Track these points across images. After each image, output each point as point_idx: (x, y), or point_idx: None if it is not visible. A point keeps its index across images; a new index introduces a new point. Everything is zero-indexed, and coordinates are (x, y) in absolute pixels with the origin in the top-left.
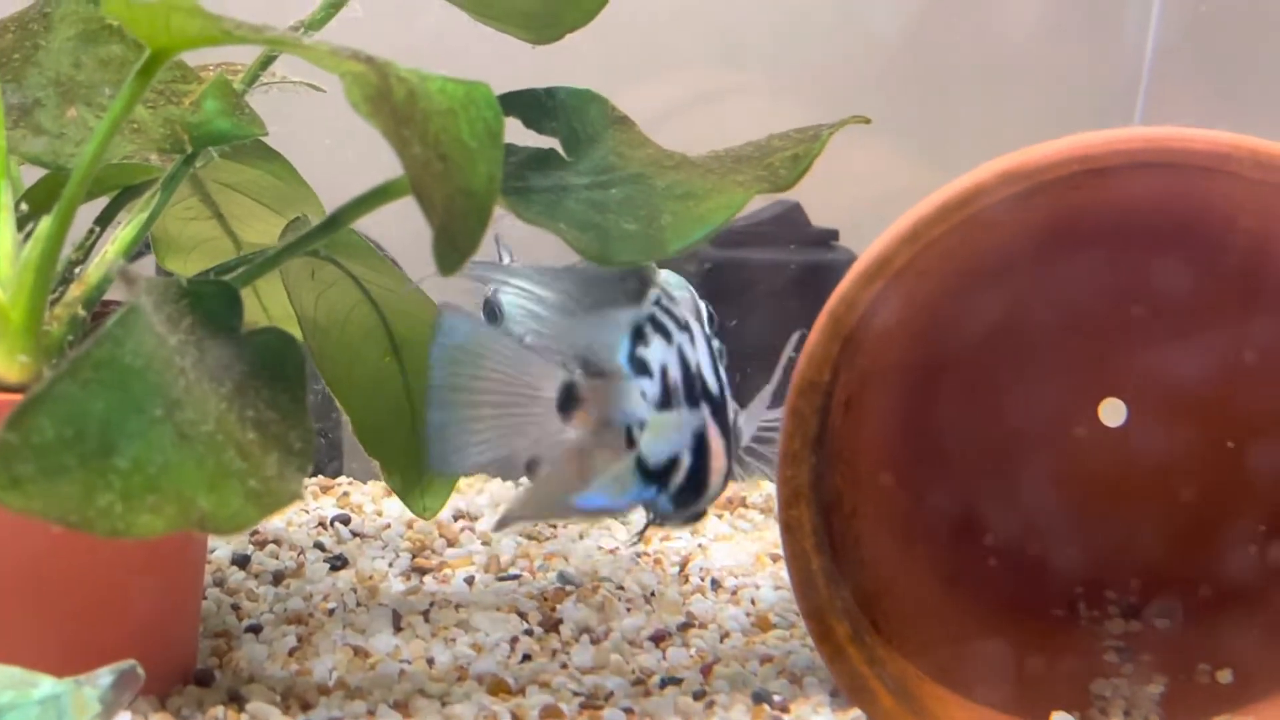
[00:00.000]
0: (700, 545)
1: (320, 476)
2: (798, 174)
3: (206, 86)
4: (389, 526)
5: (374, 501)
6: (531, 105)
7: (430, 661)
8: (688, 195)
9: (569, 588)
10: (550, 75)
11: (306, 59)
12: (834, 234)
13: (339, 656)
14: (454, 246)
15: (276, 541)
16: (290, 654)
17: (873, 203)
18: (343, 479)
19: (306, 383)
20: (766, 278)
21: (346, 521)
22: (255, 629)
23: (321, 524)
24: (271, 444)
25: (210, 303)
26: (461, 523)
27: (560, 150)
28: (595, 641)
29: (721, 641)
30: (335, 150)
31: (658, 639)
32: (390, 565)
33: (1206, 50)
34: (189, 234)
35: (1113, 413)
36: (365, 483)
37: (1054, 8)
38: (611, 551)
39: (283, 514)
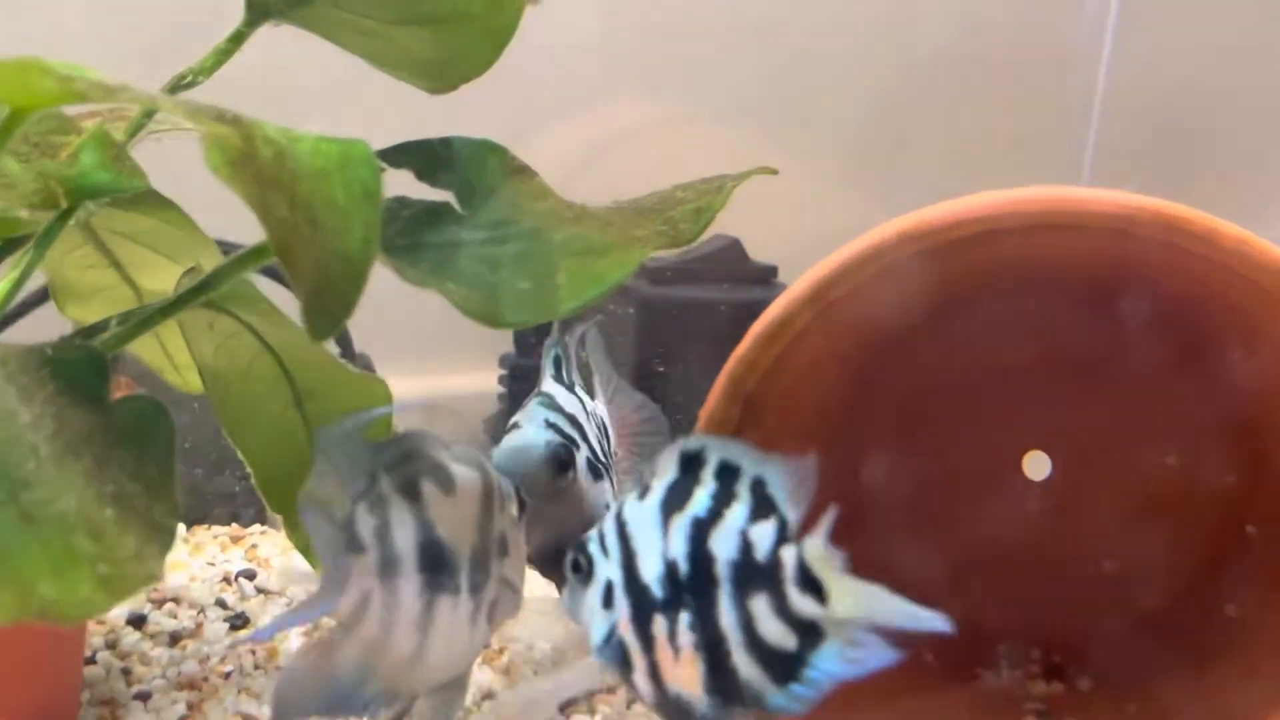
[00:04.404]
0: None
1: (234, 525)
2: (699, 229)
3: (84, 139)
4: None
5: (283, 553)
6: (425, 156)
7: None
8: (586, 251)
9: None
10: (459, 118)
11: (169, 114)
12: (773, 270)
13: None
14: (326, 313)
15: (176, 600)
16: None
17: (815, 237)
18: (255, 528)
19: (175, 452)
20: (702, 317)
21: (252, 577)
22: (144, 696)
23: (226, 579)
24: (132, 521)
25: (74, 370)
26: None
27: (455, 204)
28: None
29: (629, 708)
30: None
31: (562, 706)
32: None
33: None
34: (88, 282)
35: (1037, 466)
36: (281, 531)
37: (1008, 37)
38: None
39: (186, 568)
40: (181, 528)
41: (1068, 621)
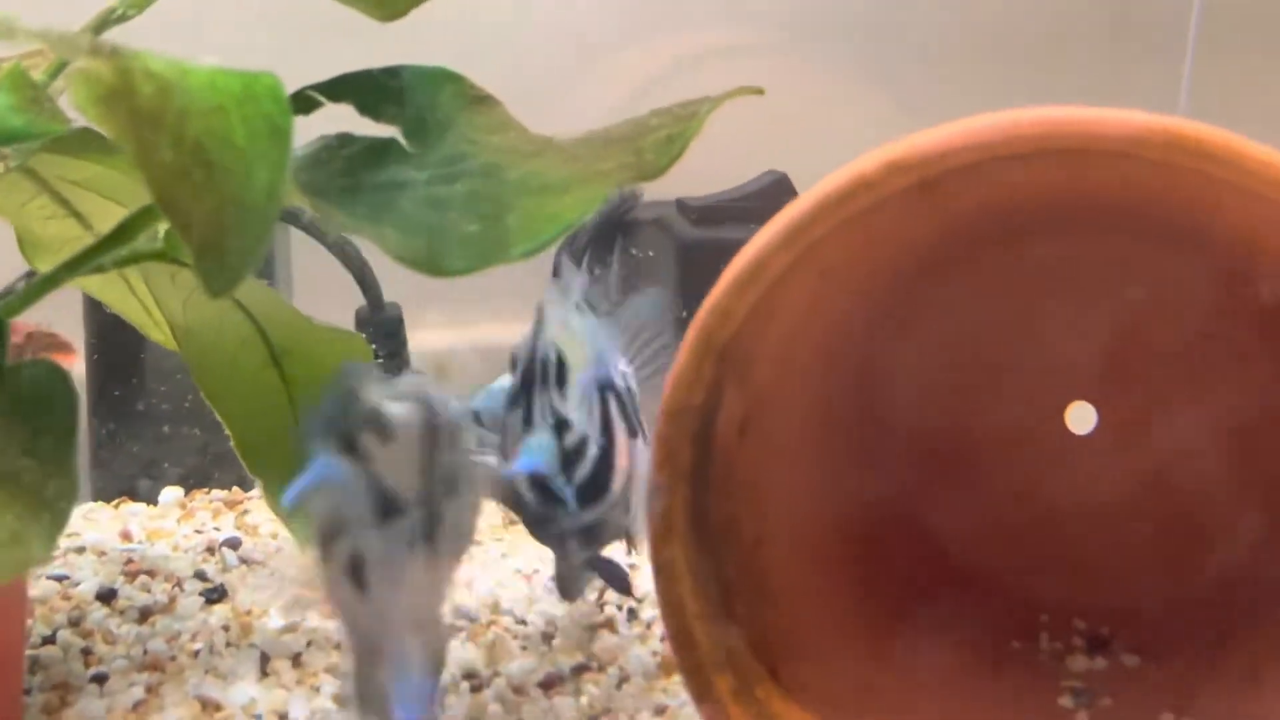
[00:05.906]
0: (632, 565)
1: (235, 489)
2: (669, 159)
3: None
4: (281, 551)
5: (275, 521)
6: (367, 88)
7: (283, 717)
8: (543, 189)
9: (462, 623)
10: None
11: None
12: None
13: (184, 711)
14: (221, 268)
15: (151, 572)
16: (134, 708)
17: None
18: (254, 492)
19: (77, 423)
20: None
21: (236, 545)
22: (101, 678)
23: (210, 548)
24: (15, 499)
25: None
26: None
27: (402, 140)
28: (476, 689)
29: (618, 688)
30: None
31: (547, 685)
32: (275, 597)
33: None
34: (51, 234)
35: (1081, 419)
36: None
37: None
38: (528, 577)
39: (171, 537)
40: (179, 492)
41: (1117, 589)
